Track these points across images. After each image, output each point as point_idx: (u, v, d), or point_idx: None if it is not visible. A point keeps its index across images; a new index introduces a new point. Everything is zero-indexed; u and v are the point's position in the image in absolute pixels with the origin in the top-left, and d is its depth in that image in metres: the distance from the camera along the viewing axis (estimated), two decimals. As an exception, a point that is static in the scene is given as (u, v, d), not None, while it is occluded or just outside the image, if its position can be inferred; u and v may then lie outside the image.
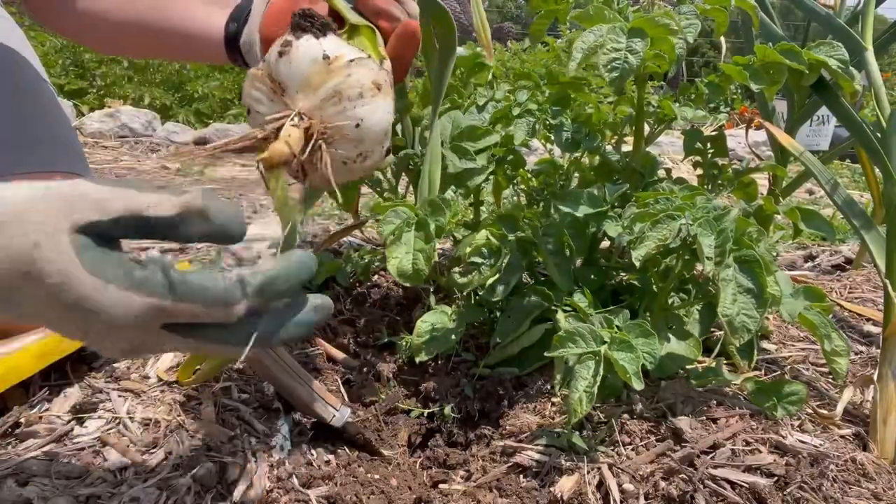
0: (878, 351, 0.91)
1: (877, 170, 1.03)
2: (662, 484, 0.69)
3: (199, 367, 0.78)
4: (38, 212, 0.38)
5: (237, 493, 0.67)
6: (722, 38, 0.98)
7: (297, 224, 0.82)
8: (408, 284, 0.88)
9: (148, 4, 0.81)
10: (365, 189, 1.20)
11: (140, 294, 0.39)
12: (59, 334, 0.43)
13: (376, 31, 0.63)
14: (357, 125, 0.52)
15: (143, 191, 0.41)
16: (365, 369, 1.05)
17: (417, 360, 0.97)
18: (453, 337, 0.98)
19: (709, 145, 1.07)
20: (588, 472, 0.73)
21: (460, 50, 1.20)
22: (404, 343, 1.08)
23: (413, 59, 0.67)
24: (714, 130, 1.07)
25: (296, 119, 0.50)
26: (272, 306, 0.45)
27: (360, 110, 0.52)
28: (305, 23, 0.54)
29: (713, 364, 0.90)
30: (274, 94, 0.52)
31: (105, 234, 0.40)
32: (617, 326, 0.80)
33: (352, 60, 0.52)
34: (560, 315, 0.90)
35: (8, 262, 0.37)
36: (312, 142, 0.50)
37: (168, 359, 0.88)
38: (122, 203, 0.40)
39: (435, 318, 1.00)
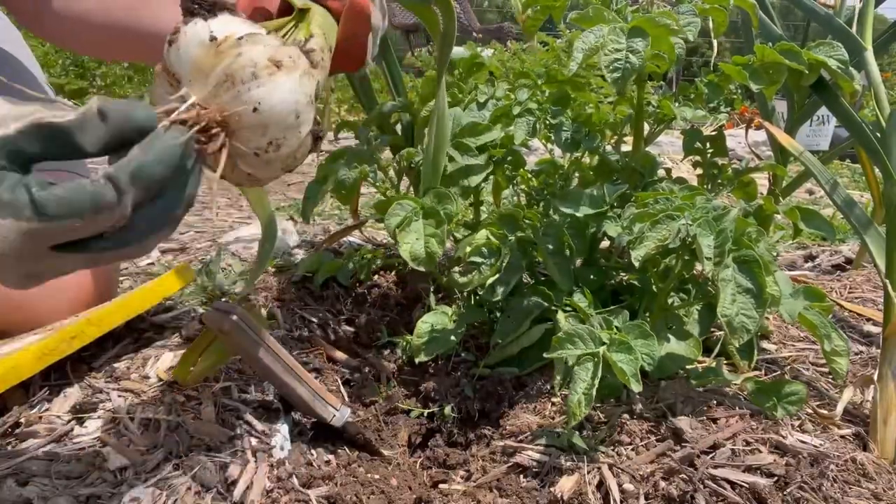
0: (878, 351, 0.91)
1: (877, 170, 1.03)
2: (662, 484, 0.69)
3: (192, 367, 0.78)
4: None
5: (237, 493, 0.67)
6: (714, 40, 0.98)
7: (270, 209, 0.80)
8: (422, 269, 0.88)
9: (122, 5, 0.80)
10: (365, 189, 1.20)
11: (7, 219, 0.37)
12: None
13: (327, 13, 0.59)
14: (255, 109, 0.47)
15: (48, 107, 0.40)
16: (365, 369, 1.05)
17: (417, 360, 0.97)
18: (453, 338, 0.98)
19: (708, 145, 1.07)
20: (588, 472, 0.73)
21: (460, 50, 1.20)
22: (404, 344, 1.08)
23: (367, 38, 0.63)
24: (713, 130, 1.07)
25: (189, 109, 0.45)
26: (158, 195, 0.43)
27: (255, 92, 0.46)
28: (193, 5, 0.49)
29: (713, 364, 0.90)
30: (171, 87, 0.48)
31: (15, 153, 0.38)
32: (616, 327, 0.80)
33: (241, 38, 0.47)
34: (560, 315, 0.90)
35: None
36: (213, 133, 0.46)
37: (168, 358, 0.88)
38: (24, 120, 0.38)
39: (435, 319, 1.00)
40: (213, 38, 0.47)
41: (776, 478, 0.69)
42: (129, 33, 0.80)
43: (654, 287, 0.94)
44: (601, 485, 0.71)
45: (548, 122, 1.04)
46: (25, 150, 0.39)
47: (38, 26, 0.86)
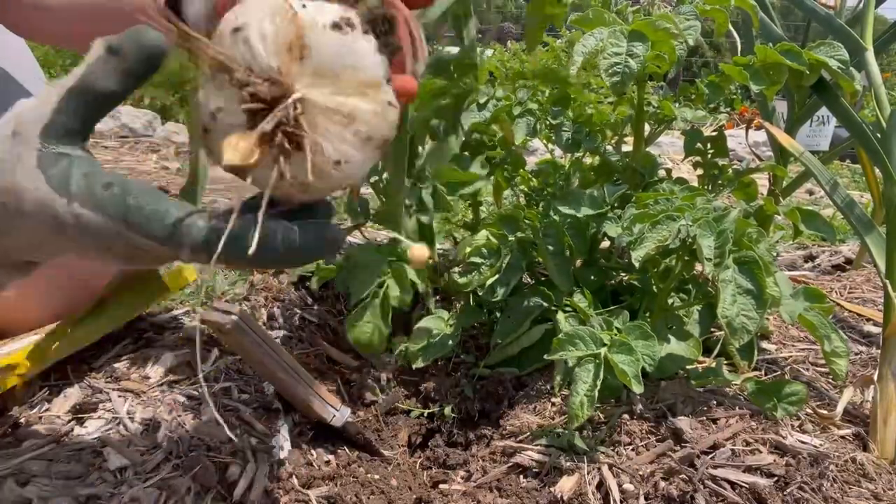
0: (878, 351, 0.91)
1: (877, 170, 1.03)
2: (662, 484, 0.69)
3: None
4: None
5: (237, 493, 0.67)
6: (734, 32, 0.98)
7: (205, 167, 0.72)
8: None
9: None
10: (365, 189, 1.20)
11: (97, 213, 0.37)
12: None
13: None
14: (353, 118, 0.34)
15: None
16: (365, 370, 1.05)
17: (414, 366, 0.98)
18: (451, 342, 0.98)
19: (709, 146, 1.07)
20: (588, 473, 0.73)
21: (455, 50, 1.20)
22: (402, 349, 1.08)
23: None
24: (714, 131, 1.07)
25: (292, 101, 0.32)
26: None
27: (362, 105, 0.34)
28: None
29: (713, 364, 0.90)
30: (231, 84, 0.33)
31: (65, 130, 0.38)
32: (617, 328, 0.80)
33: (353, 28, 0.34)
34: (560, 315, 0.90)
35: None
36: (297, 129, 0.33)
37: (168, 358, 0.88)
38: (55, 95, 0.37)
39: (432, 324, 1.00)
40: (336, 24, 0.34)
41: (776, 478, 0.69)
42: (116, 18, 0.76)
43: (654, 287, 0.93)
44: (601, 485, 0.71)
45: (548, 122, 1.04)
46: (69, 126, 0.38)
47: (6, 18, 0.83)
